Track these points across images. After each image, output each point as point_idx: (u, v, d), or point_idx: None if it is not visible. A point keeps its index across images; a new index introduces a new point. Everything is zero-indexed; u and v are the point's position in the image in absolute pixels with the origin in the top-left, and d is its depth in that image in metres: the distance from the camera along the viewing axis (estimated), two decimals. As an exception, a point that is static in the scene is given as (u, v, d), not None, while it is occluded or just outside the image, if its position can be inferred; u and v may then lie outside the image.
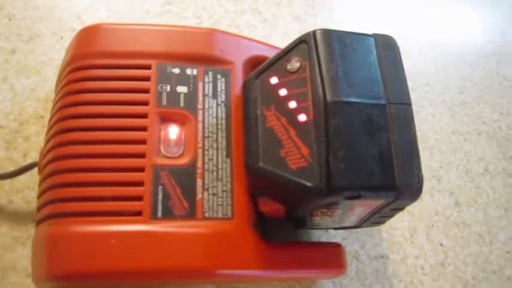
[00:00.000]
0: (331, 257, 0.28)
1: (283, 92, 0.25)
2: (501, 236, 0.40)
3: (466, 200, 0.40)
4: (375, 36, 0.25)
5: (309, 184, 0.22)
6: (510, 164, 0.44)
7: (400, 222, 0.37)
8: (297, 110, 0.24)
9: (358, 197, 0.22)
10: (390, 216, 0.27)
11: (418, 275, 0.36)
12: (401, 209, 0.25)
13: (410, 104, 0.24)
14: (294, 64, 0.25)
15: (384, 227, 0.37)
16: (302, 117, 0.23)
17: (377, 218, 0.27)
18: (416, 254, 0.37)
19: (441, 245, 0.38)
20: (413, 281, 0.35)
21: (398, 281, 0.35)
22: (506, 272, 0.38)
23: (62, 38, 0.37)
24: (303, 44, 0.25)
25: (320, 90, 0.23)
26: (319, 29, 0.24)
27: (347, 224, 0.29)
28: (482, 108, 0.46)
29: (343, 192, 0.22)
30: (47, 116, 0.30)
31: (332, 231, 0.35)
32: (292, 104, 0.24)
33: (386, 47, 0.25)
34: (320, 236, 0.35)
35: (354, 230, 0.35)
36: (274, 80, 0.26)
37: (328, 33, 0.24)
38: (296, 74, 0.24)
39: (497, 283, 0.37)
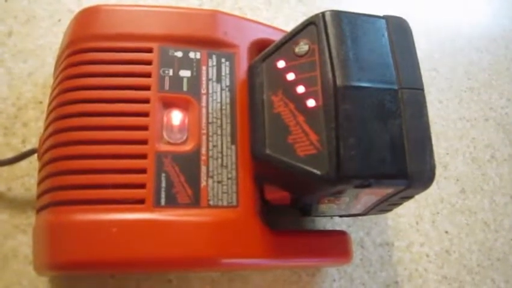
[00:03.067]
0: (337, 245, 0.28)
1: (291, 76, 0.24)
2: (506, 223, 0.39)
3: (472, 187, 0.40)
4: (386, 18, 0.24)
5: (318, 172, 0.21)
6: (517, 150, 0.43)
7: (406, 209, 0.37)
8: (306, 95, 0.23)
9: (368, 186, 0.21)
10: (399, 204, 0.27)
11: (423, 263, 0.35)
12: (410, 197, 0.24)
13: (422, 89, 0.23)
14: (303, 47, 0.24)
15: (389, 215, 0.36)
16: (311, 103, 0.23)
17: (384, 206, 0.27)
18: (421, 241, 0.36)
19: (446, 232, 0.37)
20: (418, 269, 0.35)
21: (403, 269, 0.35)
22: (511, 259, 0.38)
23: (59, 20, 0.35)
24: (312, 26, 0.24)
25: (330, 75, 0.22)
26: (329, 10, 0.23)
27: (353, 211, 0.28)
28: (489, 94, 0.45)
29: (353, 180, 0.21)
30: (46, 101, 0.30)
31: (337, 218, 0.35)
32: (301, 89, 0.23)
33: (398, 29, 0.24)
34: (325, 223, 0.34)
35: (359, 217, 0.35)
36: (281, 64, 0.25)
37: (338, 15, 0.23)
38: (304, 58, 0.23)
39: (502, 270, 0.37)
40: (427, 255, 0.36)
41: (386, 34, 0.24)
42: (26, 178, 0.30)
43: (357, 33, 0.23)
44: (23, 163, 0.30)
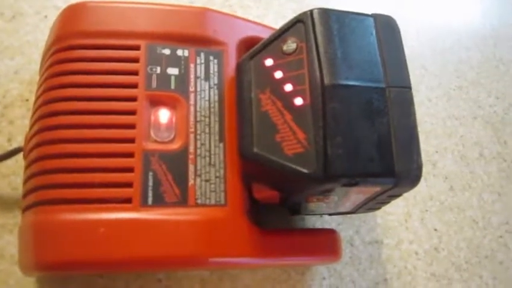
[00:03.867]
0: (326, 244, 0.28)
1: (278, 74, 0.24)
2: (494, 220, 0.40)
3: (461, 185, 0.40)
4: (374, 16, 0.24)
5: (305, 170, 0.21)
6: (505, 148, 0.43)
7: (395, 207, 0.37)
8: (293, 94, 0.23)
9: (355, 184, 0.21)
10: (387, 202, 0.27)
11: (412, 260, 0.36)
12: (398, 195, 0.25)
13: (410, 88, 0.23)
14: (290, 45, 0.24)
15: (378, 212, 0.36)
16: (298, 101, 0.23)
17: (373, 204, 0.27)
18: (411, 239, 0.36)
19: (435, 229, 0.38)
20: (407, 266, 0.35)
21: (392, 266, 0.35)
22: (499, 256, 0.38)
23: (46, 16, 0.35)
24: (300, 23, 0.23)
25: (318, 73, 0.22)
26: (316, 8, 0.23)
27: (342, 210, 0.28)
28: (478, 92, 0.46)
29: (340, 179, 0.21)
30: (32, 98, 0.29)
31: (326, 216, 0.35)
32: (288, 87, 0.23)
33: (386, 27, 0.24)
34: (314, 221, 0.34)
35: (349, 215, 0.35)
36: (269, 62, 0.24)
37: (326, 13, 0.23)
38: (292, 56, 0.23)
39: (490, 268, 0.37)
40: (416, 253, 0.36)
41: (374, 32, 0.23)
42: (12, 177, 0.30)
43: (345, 31, 0.23)
44: (9, 162, 0.29)
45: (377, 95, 0.22)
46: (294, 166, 0.22)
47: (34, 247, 0.23)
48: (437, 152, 0.41)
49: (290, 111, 0.23)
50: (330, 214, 0.32)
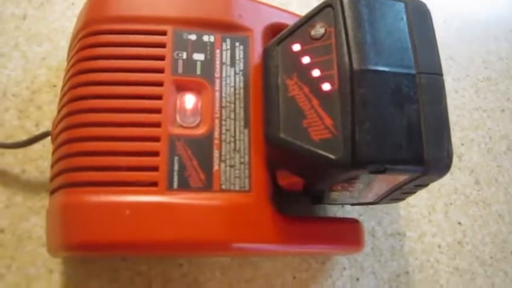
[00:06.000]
0: (349, 233, 0.28)
1: (306, 59, 0.24)
2: (521, 216, 0.39)
3: (487, 179, 0.39)
4: (406, 1, 0.24)
5: (332, 156, 0.21)
6: (534, 142, 0.42)
7: (418, 199, 0.37)
8: (321, 79, 0.23)
9: (384, 171, 0.21)
10: (413, 193, 0.26)
11: (435, 253, 0.35)
12: (425, 185, 0.24)
13: (441, 75, 0.22)
14: (319, 30, 0.23)
15: (401, 204, 0.36)
16: (326, 87, 0.22)
17: (398, 194, 0.26)
18: (434, 232, 0.36)
19: (459, 223, 0.37)
20: (429, 259, 0.35)
21: (414, 259, 0.34)
22: (525, 252, 0.37)
23: (73, 3, 0.35)
24: (329, 8, 0.23)
25: (346, 58, 0.22)
26: (346, -7, 0.23)
27: (365, 200, 0.28)
28: (506, 84, 0.44)
29: (368, 165, 0.21)
30: (60, 85, 0.30)
31: (348, 207, 0.34)
32: (316, 73, 0.23)
33: (418, 13, 0.23)
34: (335, 211, 0.34)
35: (371, 206, 0.35)
36: (296, 47, 0.24)
37: (355, -3, 0.23)
38: (320, 41, 0.23)
39: (515, 263, 0.37)
40: (439, 246, 0.35)
41: (404, 17, 0.23)
42: (40, 161, 0.30)
43: (375, 16, 0.22)
44: (37, 146, 0.30)
45: (407, 81, 0.22)
46: (321, 152, 0.21)
47: (61, 228, 0.24)
48: (463, 144, 0.40)
49: (317, 96, 0.22)
50: (352, 204, 0.32)
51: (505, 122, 0.42)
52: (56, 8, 0.35)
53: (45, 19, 0.34)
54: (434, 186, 0.37)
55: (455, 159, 0.39)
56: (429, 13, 0.24)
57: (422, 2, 0.24)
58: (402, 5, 0.23)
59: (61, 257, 0.28)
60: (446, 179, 0.38)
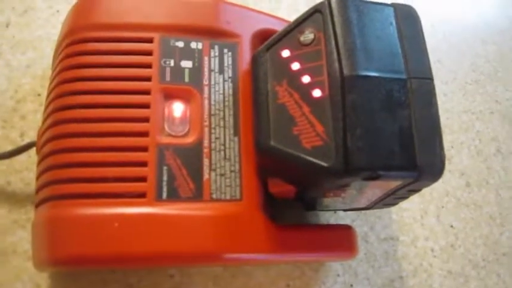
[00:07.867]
0: (342, 240, 0.28)
1: (295, 65, 0.23)
2: (512, 217, 0.39)
3: (478, 181, 0.39)
4: (394, 5, 0.24)
5: (324, 164, 0.21)
6: (523, 144, 0.42)
7: (410, 203, 0.36)
8: (311, 85, 0.22)
9: (377, 178, 0.20)
10: (405, 198, 0.26)
11: (428, 257, 0.35)
12: (418, 190, 0.24)
13: (432, 79, 0.22)
14: (308, 36, 0.23)
15: (394, 209, 0.36)
16: (317, 93, 0.22)
17: (390, 199, 0.26)
18: (426, 235, 0.36)
19: (451, 226, 0.37)
20: (422, 263, 0.35)
21: (408, 263, 0.34)
22: (517, 254, 0.37)
23: (58, 11, 0.35)
24: (318, 13, 0.23)
25: (336, 64, 0.21)
26: (334, -2, 0.23)
27: (358, 205, 0.28)
28: (495, 86, 0.45)
29: (361, 172, 0.20)
30: (45, 93, 0.29)
31: (341, 212, 0.34)
32: (306, 79, 0.23)
33: (407, 17, 0.23)
34: (328, 217, 0.34)
35: (363, 211, 0.34)
36: (286, 53, 0.24)
37: (344, 2, 0.22)
38: (310, 47, 0.23)
39: (507, 265, 0.37)
40: (432, 250, 0.35)
41: (394, 22, 0.23)
42: (25, 172, 0.29)
43: (364, 21, 0.22)
44: (22, 157, 0.29)
45: (397, 86, 0.21)
46: (312, 159, 0.21)
47: (47, 242, 0.23)
48: (452, 147, 0.40)
49: (308, 103, 0.22)
50: (345, 210, 0.32)
51: (494, 124, 0.43)
52: (40, 15, 0.34)
53: (29, 26, 0.34)
54: (426, 189, 0.37)
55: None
56: (419, 17, 0.24)
57: (410, 7, 0.24)
58: (391, 9, 0.23)
59: (48, 271, 0.27)
60: (437, 182, 0.38)
